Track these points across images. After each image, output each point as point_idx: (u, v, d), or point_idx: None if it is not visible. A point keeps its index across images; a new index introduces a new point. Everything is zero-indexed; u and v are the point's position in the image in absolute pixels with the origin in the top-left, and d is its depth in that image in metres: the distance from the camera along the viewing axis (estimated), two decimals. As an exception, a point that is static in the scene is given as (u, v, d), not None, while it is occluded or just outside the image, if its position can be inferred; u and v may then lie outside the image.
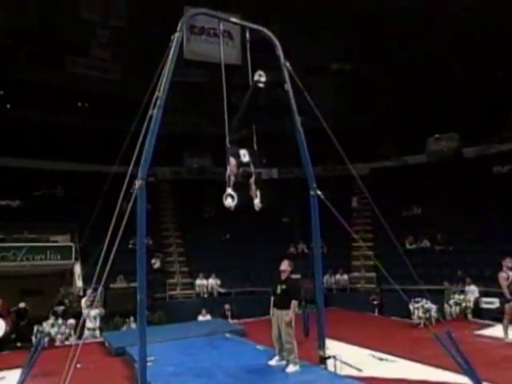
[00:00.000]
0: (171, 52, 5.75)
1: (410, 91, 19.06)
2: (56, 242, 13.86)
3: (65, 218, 14.92)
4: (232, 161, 5.73)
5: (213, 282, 13.86)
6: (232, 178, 5.70)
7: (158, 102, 5.60)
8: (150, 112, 5.51)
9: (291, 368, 6.07)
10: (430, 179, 17.42)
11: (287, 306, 6.24)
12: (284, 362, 6.34)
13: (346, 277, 14.34)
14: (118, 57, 19.64)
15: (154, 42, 18.30)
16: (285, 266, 6.61)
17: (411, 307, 9.10)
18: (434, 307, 8.96)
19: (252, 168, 5.81)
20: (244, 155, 5.77)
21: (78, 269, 13.01)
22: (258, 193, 5.96)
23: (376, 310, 12.34)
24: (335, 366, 6.23)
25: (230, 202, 5.44)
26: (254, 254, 16.04)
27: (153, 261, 13.85)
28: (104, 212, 13.81)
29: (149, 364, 5.96)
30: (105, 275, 5.59)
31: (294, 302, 6.27)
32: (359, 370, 6.34)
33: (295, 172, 20.67)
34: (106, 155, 18.95)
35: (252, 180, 5.90)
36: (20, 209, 15.45)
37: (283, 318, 6.23)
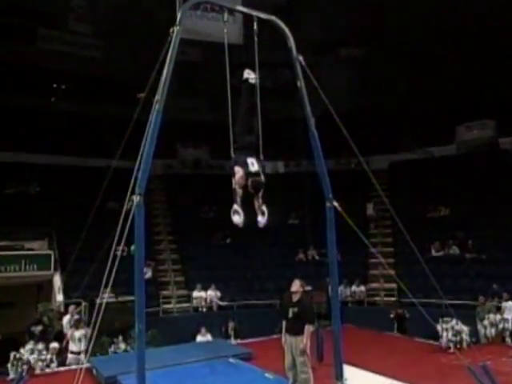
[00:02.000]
0: (170, 50, 5.78)
1: (436, 72, 18.96)
2: (32, 249, 13.94)
3: (41, 220, 14.89)
4: (239, 171, 5.72)
5: (212, 293, 14.05)
6: (239, 191, 5.72)
7: (157, 107, 5.64)
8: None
9: (306, 401, 6.26)
10: (460, 175, 17.43)
11: (301, 332, 6.43)
12: (297, 395, 6.53)
13: (362, 288, 14.54)
14: (99, 31, 19.51)
15: (140, 12, 18.53)
16: (296, 286, 6.78)
17: (439, 328, 9.23)
18: (465, 329, 9.08)
19: (262, 178, 5.88)
20: (252, 164, 5.78)
21: (57, 280, 13.13)
22: (265, 208, 6.01)
23: (395, 327, 12.48)
24: (354, 400, 6.41)
25: (237, 220, 5.50)
26: (257, 260, 16.18)
27: (144, 270, 13.93)
28: (85, 213, 13.90)
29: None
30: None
31: (309, 328, 6.46)
32: (380, 404, 6.51)
33: (304, 165, 20.75)
34: (86, 145, 19.24)
35: (260, 193, 5.97)
36: (-13, 210, 15.50)
37: (297, 345, 6.41)
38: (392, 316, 12.50)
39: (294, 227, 17.42)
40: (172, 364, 8.34)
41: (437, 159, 19.20)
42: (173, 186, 19.27)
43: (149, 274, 14.44)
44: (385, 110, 20.12)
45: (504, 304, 10.87)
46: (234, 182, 5.82)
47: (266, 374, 7.65)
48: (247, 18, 6.72)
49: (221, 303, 14.04)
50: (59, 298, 12.62)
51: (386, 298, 14.35)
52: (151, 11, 18.27)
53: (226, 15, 6.56)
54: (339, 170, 17.91)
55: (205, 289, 14.21)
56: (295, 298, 6.72)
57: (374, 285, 15.00)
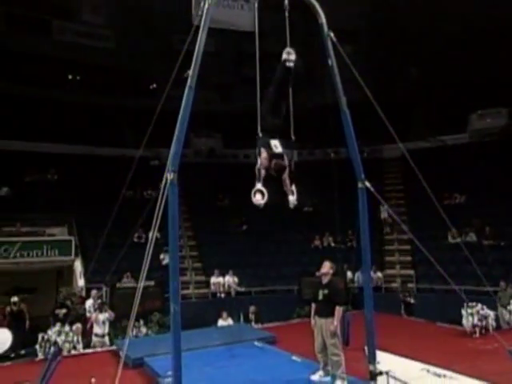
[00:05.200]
0: (202, 23, 5.52)
1: (447, 58, 18.49)
2: (53, 235, 13.82)
3: (61, 207, 14.92)
4: (263, 152, 5.64)
5: (230, 279, 13.84)
6: (262, 172, 5.59)
7: (189, 83, 5.38)
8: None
9: (339, 384, 6.01)
10: (474, 163, 17.07)
11: (331, 314, 6.22)
12: (328, 378, 6.30)
13: (380, 274, 14.24)
14: (112, 22, 19.24)
15: (153, 3, 18.20)
16: (326, 268, 6.56)
17: (464, 312, 8.96)
18: (491, 314, 8.83)
19: (286, 161, 5.68)
20: (276, 146, 5.67)
21: (78, 265, 13.01)
22: (294, 188, 5.86)
23: (402, 310, 12.50)
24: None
25: (259, 199, 5.35)
26: (273, 247, 16.02)
27: (161, 256, 13.77)
28: (102, 200, 13.74)
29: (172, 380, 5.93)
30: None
31: (339, 309, 6.26)
32: (414, 387, 6.25)
33: (317, 154, 20.48)
34: (101, 135, 19.06)
35: (286, 174, 5.79)
36: (9, 197, 15.43)
37: (328, 327, 6.18)
38: (402, 299, 12.65)
39: (309, 214, 17.15)
40: (197, 347, 8.13)
41: (449, 147, 18.80)
42: (187, 174, 18.97)
43: (166, 259, 14.22)
44: (397, 99, 19.72)
45: (525, 290, 10.63)
46: (258, 161, 5.65)
47: (293, 357, 7.42)
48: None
49: (239, 289, 13.82)
50: (81, 282, 12.50)
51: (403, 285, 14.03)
52: (164, 2, 18.02)
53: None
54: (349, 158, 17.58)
55: (222, 275, 14.00)
56: (325, 279, 6.50)
57: (391, 271, 14.72)
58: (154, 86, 21.30)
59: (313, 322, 6.50)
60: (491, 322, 8.80)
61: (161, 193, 5.26)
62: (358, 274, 13.56)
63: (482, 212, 15.00)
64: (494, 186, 15.82)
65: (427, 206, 13.74)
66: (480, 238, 13.99)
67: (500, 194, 15.44)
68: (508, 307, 9.66)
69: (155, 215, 5.48)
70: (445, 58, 18.38)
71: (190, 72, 5.44)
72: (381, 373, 6.25)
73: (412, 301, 12.69)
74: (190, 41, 5.77)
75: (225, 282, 13.85)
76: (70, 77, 21.63)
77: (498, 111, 18.66)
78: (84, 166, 17.48)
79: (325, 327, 6.23)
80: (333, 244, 15.28)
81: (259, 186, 5.40)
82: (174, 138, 5.44)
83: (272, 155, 5.51)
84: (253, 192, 5.37)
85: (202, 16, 5.75)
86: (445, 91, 18.97)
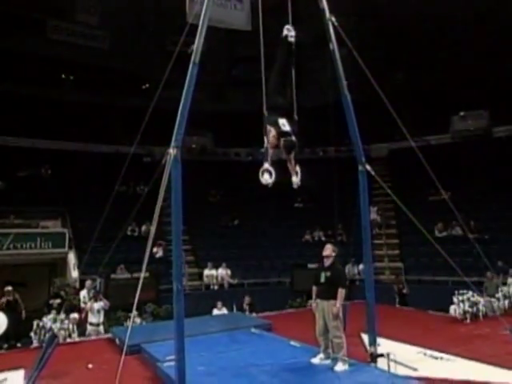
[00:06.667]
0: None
1: (431, 63, 18.58)
2: (46, 227, 13.35)
3: (54, 201, 14.60)
4: (271, 131, 5.42)
5: (223, 272, 13.56)
6: (270, 151, 5.41)
7: (193, 58, 5.13)
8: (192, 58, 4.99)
9: (340, 366, 5.79)
10: (457, 161, 17.13)
11: (334, 296, 5.98)
12: (328, 361, 6.06)
13: (369, 267, 14.07)
14: (107, 23, 18.90)
15: (147, 5, 17.92)
16: (329, 251, 6.32)
17: (455, 300, 8.84)
18: (481, 300, 8.73)
19: (294, 138, 5.49)
20: (284, 124, 5.46)
21: (72, 258, 12.58)
22: (298, 168, 5.69)
23: (397, 300, 12.31)
24: (388, 365, 5.94)
25: (267, 179, 5.16)
26: (265, 241, 15.81)
27: (155, 249, 13.44)
28: (95, 195, 13.38)
29: (172, 364, 5.67)
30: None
31: (342, 291, 6.02)
32: (414, 369, 6.07)
33: (306, 152, 20.33)
34: (94, 132, 18.68)
35: (292, 154, 5.61)
36: (2, 191, 14.93)
37: (330, 309, 5.95)
38: (396, 290, 12.41)
39: (299, 210, 17.07)
40: (195, 334, 7.79)
41: (433, 147, 18.82)
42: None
43: (160, 253, 13.92)
44: (383, 101, 19.67)
45: (510, 280, 10.52)
46: (266, 140, 5.44)
47: (292, 342, 7.16)
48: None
49: (232, 281, 13.54)
50: (74, 274, 12.07)
51: (392, 276, 13.91)
52: (158, 3, 17.77)
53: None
54: (339, 157, 17.50)
55: (215, 267, 13.71)
56: (327, 262, 6.25)
57: (380, 264, 14.58)
58: (147, 85, 20.99)
59: (314, 305, 6.26)
60: (481, 307, 8.67)
61: (164, 179, 4.96)
62: (348, 267, 13.37)
63: (467, 207, 15.00)
64: (476, 184, 15.90)
65: (414, 202, 13.90)
66: (465, 232, 13.93)
67: (481, 191, 15.63)
68: (496, 295, 9.56)
69: (159, 197, 5.18)
70: (429, 63, 18.52)
71: (194, 47, 5.18)
72: (382, 355, 6.06)
73: (406, 291, 12.52)
74: (182, 42, 5.63)
75: (218, 274, 13.56)
76: (64, 76, 21.29)
77: (479, 113, 18.77)
78: (78, 162, 17.17)
79: (327, 309, 5.98)
80: (323, 238, 15.10)
81: (267, 165, 5.20)
82: (178, 113, 5.18)
83: (280, 133, 5.31)
84: (261, 171, 5.17)
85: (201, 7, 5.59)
86: (429, 94, 19.10)
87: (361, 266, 13.93)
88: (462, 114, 19.08)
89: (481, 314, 8.70)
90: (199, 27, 5.18)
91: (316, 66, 13.18)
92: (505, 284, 10.45)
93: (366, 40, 18.77)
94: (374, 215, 15.97)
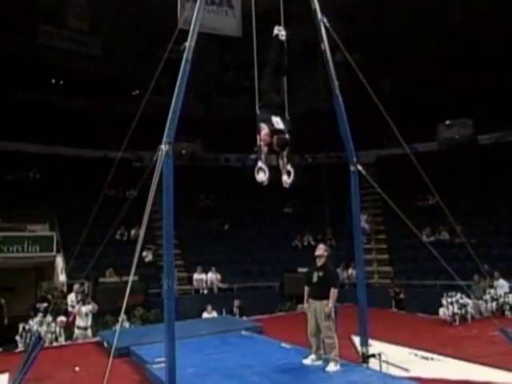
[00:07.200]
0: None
1: (418, 73, 18.81)
2: (34, 231, 13.05)
3: (42, 205, 14.32)
4: (264, 128, 5.35)
5: (212, 276, 13.37)
6: (264, 149, 5.35)
7: (185, 55, 5.05)
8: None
9: (332, 367, 5.68)
10: (444, 168, 17.26)
11: (326, 296, 5.87)
12: (320, 362, 5.95)
13: (358, 271, 14.02)
14: (98, 29, 18.79)
15: (137, 12, 17.86)
16: (321, 250, 6.23)
17: (444, 302, 8.81)
18: (470, 302, 8.70)
19: (287, 136, 5.43)
20: (277, 122, 5.41)
21: (60, 262, 12.30)
22: (290, 167, 5.62)
23: (393, 304, 12.14)
24: (380, 366, 5.86)
25: (262, 177, 5.15)
26: (254, 246, 15.64)
27: (144, 253, 13.22)
28: (83, 199, 13.14)
29: (161, 366, 5.53)
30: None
31: (334, 291, 5.91)
32: (406, 369, 6.00)
33: (295, 159, 20.32)
34: (82, 137, 18.48)
35: (285, 152, 5.54)
36: (-12, 195, 14.60)
37: (322, 309, 5.85)
38: (392, 295, 12.23)
39: (288, 215, 17.01)
40: (185, 336, 7.61)
41: (421, 154, 18.95)
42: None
43: (149, 257, 13.72)
44: (372, 110, 19.82)
45: (496, 282, 10.62)
46: (258, 139, 5.38)
47: (283, 344, 7.03)
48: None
49: (221, 285, 13.36)
50: (62, 278, 11.79)
51: (380, 280, 13.93)
52: (149, 10, 17.70)
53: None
54: (330, 163, 17.52)
55: (205, 272, 13.51)
56: (319, 262, 6.14)
57: (369, 268, 14.53)
58: (137, 92, 20.88)
59: (306, 305, 6.14)
60: (470, 310, 8.65)
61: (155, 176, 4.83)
62: (338, 271, 13.25)
63: (454, 213, 15.05)
64: (462, 190, 16.05)
65: (401, 207, 13.92)
66: (452, 237, 14.00)
67: (467, 197, 15.75)
68: (484, 297, 9.56)
69: (150, 194, 5.05)
70: (416, 73, 18.73)
71: (187, 44, 5.11)
72: (373, 355, 5.98)
73: (402, 296, 12.28)
74: (171, 49, 5.57)
75: (207, 278, 13.36)
76: (54, 81, 21.15)
77: (464, 122, 19.06)
78: (67, 166, 16.97)
79: (319, 309, 5.87)
80: (313, 243, 14.99)
81: (261, 164, 5.17)
82: (171, 110, 5.08)
83: (273, 131, 5.25)
84: (256, 170, 5.15)
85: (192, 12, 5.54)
86: (415, 103, 19.33)
87: (350, 271, 13.91)
88: (447, 122, 19.43)
89: (469, 316, 8.67)
90: (191, 27, 5.12)
91: (303, 75, 13.28)
92: (491, 287, 10.50)
93: (352, 49, 19.04)
94: (363, 223, 16.10)
